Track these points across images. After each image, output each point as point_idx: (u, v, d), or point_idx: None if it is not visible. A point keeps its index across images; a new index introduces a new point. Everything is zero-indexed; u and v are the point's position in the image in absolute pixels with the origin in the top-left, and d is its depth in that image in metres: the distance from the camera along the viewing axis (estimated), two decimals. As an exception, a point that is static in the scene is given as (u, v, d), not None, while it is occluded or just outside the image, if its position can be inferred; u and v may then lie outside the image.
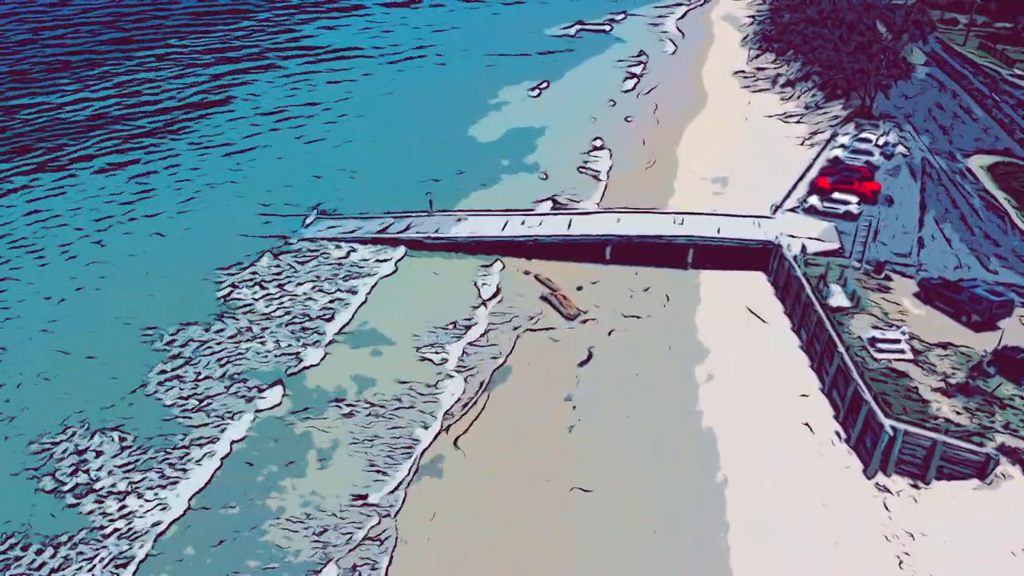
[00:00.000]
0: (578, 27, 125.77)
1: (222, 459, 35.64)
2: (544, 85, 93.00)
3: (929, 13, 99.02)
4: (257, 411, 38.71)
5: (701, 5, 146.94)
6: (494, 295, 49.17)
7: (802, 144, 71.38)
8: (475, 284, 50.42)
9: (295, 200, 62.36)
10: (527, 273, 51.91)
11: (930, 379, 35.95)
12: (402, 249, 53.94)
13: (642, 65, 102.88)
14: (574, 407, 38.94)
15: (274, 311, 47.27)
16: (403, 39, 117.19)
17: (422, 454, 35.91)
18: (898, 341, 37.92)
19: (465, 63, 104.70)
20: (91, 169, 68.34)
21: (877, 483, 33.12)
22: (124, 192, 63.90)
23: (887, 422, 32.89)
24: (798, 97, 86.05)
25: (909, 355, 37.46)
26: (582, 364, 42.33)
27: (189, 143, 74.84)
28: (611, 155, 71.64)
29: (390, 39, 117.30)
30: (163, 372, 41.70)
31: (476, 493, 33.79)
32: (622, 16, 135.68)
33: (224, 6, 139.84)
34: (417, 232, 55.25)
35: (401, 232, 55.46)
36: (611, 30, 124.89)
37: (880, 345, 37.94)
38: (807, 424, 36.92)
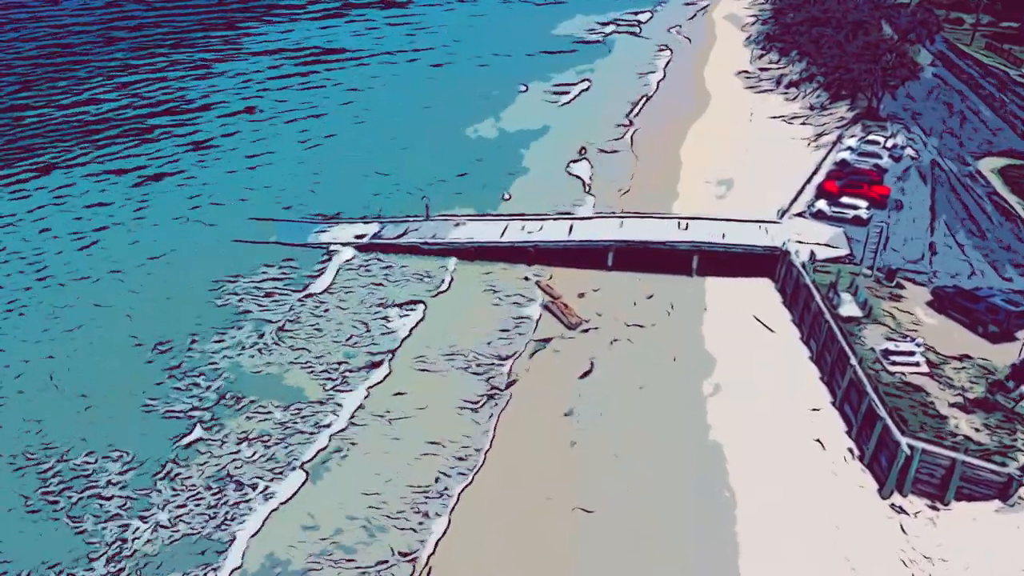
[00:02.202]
0: (611, 27, 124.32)
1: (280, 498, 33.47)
2: (569, 86, 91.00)
3: (935, 12, 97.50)
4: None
5: (706, 4, 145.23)
6: (498, 305, 47.51)
7: (808, 146, 69.87)
8: (477, 292, 48.84)
9: (293, 205, 60.85)
10: (527, 279, 50.46)
11: (947, 394, 34.50)
12: (452, 259, 52.21)
13: (662, 65, 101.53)
14: (576, 422, 37.45)
15: (274, 322, 45.61)
16: (426, 40, 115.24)
17: (461, 493, 33.55)
18: (913, 353, 36.42)
19: (484, 64, 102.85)
20: (91, 174, 66.49)
21: (893, 503, 31.67)
22: (126, 198, 62.10)
23: (903, 440, 31.40)
24: (803, 98, 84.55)
25: (924, 368, 35.99)
26: (583, 376, 40.81)
27: (186, 146, 73.11)
28: (637, 160, 70.24)
29: (414, 41, 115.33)
30: (194, 395, 39.49)
31: (473, 512, 32.32)
32: (648, 16, 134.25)
33: (226, 8, 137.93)
34: (414, 237, 53.78)
35: (398, 237, 54.02)
36: (640, 32, 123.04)
37: (894, 357, 36.48)
38: (818, 440, 35.46)
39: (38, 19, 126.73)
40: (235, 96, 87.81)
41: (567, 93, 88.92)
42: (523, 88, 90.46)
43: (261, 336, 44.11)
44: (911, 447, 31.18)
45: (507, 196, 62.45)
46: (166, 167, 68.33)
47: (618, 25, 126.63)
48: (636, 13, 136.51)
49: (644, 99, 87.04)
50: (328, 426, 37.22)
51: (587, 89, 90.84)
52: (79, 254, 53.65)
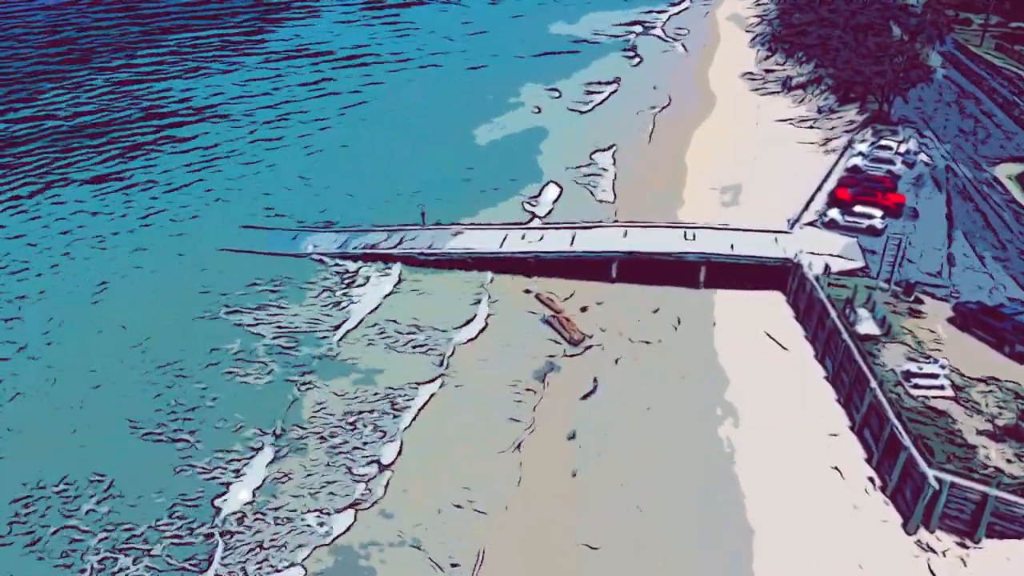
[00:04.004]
0: (635, 28, 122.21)
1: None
2: (593, 92, 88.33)
3: (945, 13, 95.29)
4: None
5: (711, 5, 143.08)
6: (507, 322, 45.22)
7: (817, 151, 67.71)
8: (482, 306, 46.67)
9: (287, 212, 58.58)
10: (528, 291, 48.37)
11: (974, 420, 32.43)
12: (454, 271, 50.06)
13: (674, 67, 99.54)
14: (579, 447, 35.39)
15: (269, 332, 43.59)
16: (442, 44, 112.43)
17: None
18: (936, 376, 34.33)
19: (502, 68, 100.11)
20: (75, 182, 63.93)
21: (919, 540, 29.61)
22: (113, 207, 59.33)
23: (931, 472, 29.32)
24: (810, 100, 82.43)
25: (949, 392, 33.90)
26: (586, 396, 38.74)
27: (177, 152, 70.61)
28: (642, 165, 67.97)
29: (429, 43, 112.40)
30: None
31: (500, 551, 30.23)
32: (667, 16, 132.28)
33: (220, 8, 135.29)
34: (410, 247, 51.72)
35: (393, 247, 51.94)
36: (664, 34, 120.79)
37: (916, 380, 34.38)
38: (836, 468, 33.37)
39: (35, 22, 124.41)
40: (237, 101, 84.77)
41: (589, 100, 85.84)
42: (557, 94, 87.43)
43: (262, 359, 41.65)
44: (939, 480, 29.13)
45: (531, 203, 60.51)
46: (164, 175, 65.53)
47: (644, 27, 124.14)
48: (654, 12, 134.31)
49: (662, 105, 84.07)
50: (369, 463, 34.70)
51: (613, 93, 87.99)
52: (79, 265, 51.21)
